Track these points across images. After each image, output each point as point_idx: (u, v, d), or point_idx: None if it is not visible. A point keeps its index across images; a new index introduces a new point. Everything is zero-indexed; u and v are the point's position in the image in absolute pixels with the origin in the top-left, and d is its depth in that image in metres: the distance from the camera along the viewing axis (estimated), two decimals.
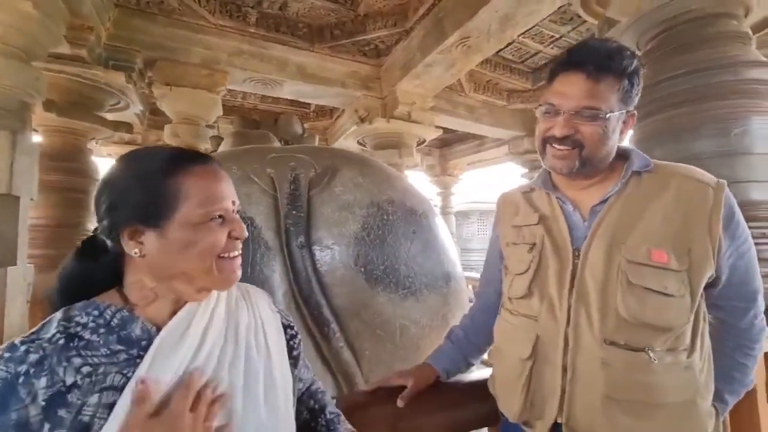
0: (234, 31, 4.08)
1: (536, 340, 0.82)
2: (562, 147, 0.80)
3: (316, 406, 0.74)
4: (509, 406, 0.87)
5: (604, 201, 0.82)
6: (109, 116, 4.26)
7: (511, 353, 0.88)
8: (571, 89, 0.78)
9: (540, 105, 0.84)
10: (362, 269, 1.37)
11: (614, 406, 0.73)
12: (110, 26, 3.59)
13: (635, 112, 0.83)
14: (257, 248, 1.25)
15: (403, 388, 0.95)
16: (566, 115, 0.78)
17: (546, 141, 0.83)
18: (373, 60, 4.79)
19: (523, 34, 4.41)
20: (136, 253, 0.55)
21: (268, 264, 1.25)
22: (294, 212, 1.34)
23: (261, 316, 0.65)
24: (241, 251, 0.61)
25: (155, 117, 5.49)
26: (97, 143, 5.70)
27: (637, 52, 2.15)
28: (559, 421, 0.78)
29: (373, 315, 1.37)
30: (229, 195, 0.59)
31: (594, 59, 0.76)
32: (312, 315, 1.29)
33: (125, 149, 6.60)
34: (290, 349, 0.68)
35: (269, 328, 0.65)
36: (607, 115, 0.76)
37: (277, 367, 0.62)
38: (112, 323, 0.54)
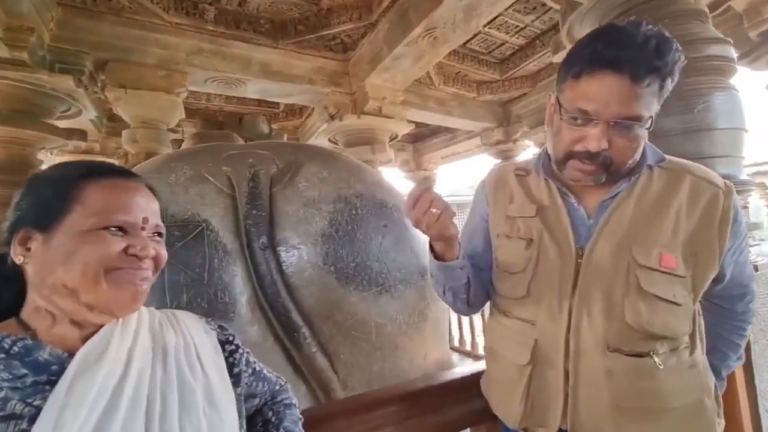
0: (191, 29, 3.89)
1: (534, 345, 0.77)
2: (590, 164, 0.70)
3: (273, 419, 0.68)
4: (508, 412, 0.82)
5: (613, 196, 0.75)
6: (62, 124, 3.99)
7: (507, 358, 0.82)
8: (610, 94, 0.65)
9: (562, 108, 0.71)
10: (332, 268, 1.29)
11: (622, 413, 0.70)
12: (54, 26, 3.35)
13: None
14: (214, 253, 1.15)
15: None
16: (603, 126, 0.66)
17: (572, 155, 0.72)
18: (340, 55, 4.68)
19: (488, 24, 4.42)
20: (20, 259, 0.50)
21: (227, 269, 1.16)
22: (255, 212, 1.25)
23: (192, 337, 0.59)
24: (146, 270, 0.54)
25: (113, 123, 5.18)
26: (51, 153, 5.37)
27: None
28: (563, 428, 0.74)
29: (346, 316, 1.29)
30: (138, 211, 0.54)
31: (641, 58, 0.63)
32: (279, 320, 1.20)
33: (82, 159, 6.25)
34: (230, 365, 0.62)
35: (203, 348, 0.59)
36: (647, 125, 0.68)
37: (218, 389, 0.55)
38: (12, 351, 0.46)
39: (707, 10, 1.87)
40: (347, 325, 1.29)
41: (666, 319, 0.69)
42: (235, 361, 0.63)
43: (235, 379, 0.61)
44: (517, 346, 0.79)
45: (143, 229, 0.54)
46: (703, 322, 0.78)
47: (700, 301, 0.85)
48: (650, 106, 0.67)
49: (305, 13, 4.10)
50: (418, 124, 6.25)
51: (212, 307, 1.11)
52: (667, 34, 0.66)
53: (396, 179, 10.08)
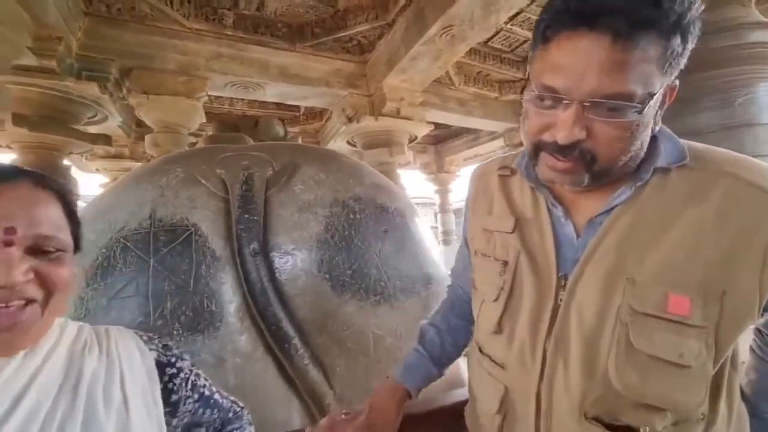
0: (211, 35, 3.95)
1: (504, 393, 0.63)
2: (564, 159, 0.52)
3: None
4: None
5: (609, 210, 0.56)
6: (92, 129, 4.14)
7: (481, 400, 0.70)
8: (583, 63, 0.46)
9: (528, 85, 0.54)
10: (327, 276, 1.22)
11: None
12: (81, 36, 3.48)
13: (677, 82, 0.52)
14: (201, 259, 1.10)
15: None
16: (576, 108, 0.48)
17: (540, 146, 0.54)
18: (357, 57, 4.65)
19: (510, 21, 4.27)
20: None
21: (215, 276, 1.10)
22: (246, 216, 1.19)
23: (120, 362, 0.51)
24: (14, 303, 0.42)
25: (142, 128, 5.37)
26: (86, 158, 5.61)
27: None
28: None
29: (341, 326, 1.22)
30: (4, 218, 0.42)
31: (626, 7, 0.44)
32: (270, 330, 1.14)
33: (113, 163, 6.50)
34: (168, 393, 0.55)
35: (132, 375, 0.51)
36: (645, 110, 0.47)
37: (140, 424, 0.48)
38: None
39: None
40: (343, 337, 1.22)
41: (665, 387, 0.49)
42: (175, 387, 0.56)
43: (172, 408, 0.54)
44: (487, 389, 0.66)
45: (9, 244, 0.42)
46: (736, 379, 0.57)
47: (759, 331, 0.65)
48: (648, 79, 0.46)
49: (322, 15, 4.09)
50: (439, 126, 6.13)
51: (197, 315, 1.06)
52: None
53: (418, 182, 9.98)
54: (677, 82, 0.53)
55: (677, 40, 0.46)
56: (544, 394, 0.56)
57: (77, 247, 0.53)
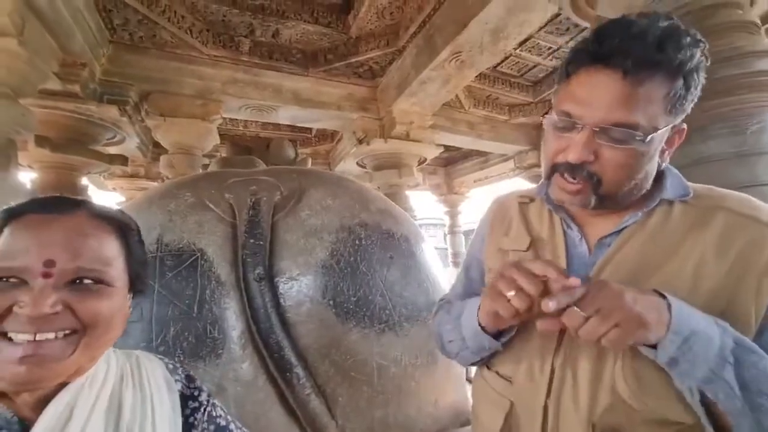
0: (227, 61, 4.10)
1: (510, 409, 0.63)
2: (573, 181, 0.58)
3: None
4: None
5: (617, 232, 0.61)
6: (111, 150, 4.28)
7: (484, 420, 0.70)
8: (597, 94, 0.53)
9: (546, 114, 0.61)
10: (331, 302, 1.21)
11: None
12: (105, 62, 3.64)
13: (685, 125, 0.58)
14: (206, 284, 1.10)
15: None
16: (587, 132, 0.54)
17: (555, 168, 0.60)
18: (368, 81, 4.75)
19: (519, 47, 4.34)
20: None
21: (219, 301, 1.10)
22: (252, 241, 1.20)
23: (150, 393, 0.51)
24: (45, 333, 0.40)
25: (158, 150, 5.52)
26: (103, 178, 5.77)
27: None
28: None
29: (345, 355, 1.20)
30: (40, 251, 0.41)
31: (636, 50, 0.50)
32: (272, 358, 1.13)
33: (130, 182, 6.67)
34: (189, 426, 0.54)
35: (161, 410, 0.51)
36: (647, 138, 0.52)
37: None
38: None
39: (759, 22, 1.69)
40: (346, 366, 1.20)
41: (672, 393, 0.50)
42: (195, 422, 0.55)
43: None
44: (491, 407, 0.67)
45: (47, 276, 0.41)
46: None
47: None
48: (653, 116, 0.52)
49: (335, 42, 4.21)
50: (449, 148, 6.18)
51: (200, 342, 1.05)
52: (681, 26, 0.52)
53: (428, 203, 9.98)
54: (685, 125, 0.58)
55: (680, 83, 0.52)
56: (551, 408, 0.58)
57: (136, 287, 0.52)
